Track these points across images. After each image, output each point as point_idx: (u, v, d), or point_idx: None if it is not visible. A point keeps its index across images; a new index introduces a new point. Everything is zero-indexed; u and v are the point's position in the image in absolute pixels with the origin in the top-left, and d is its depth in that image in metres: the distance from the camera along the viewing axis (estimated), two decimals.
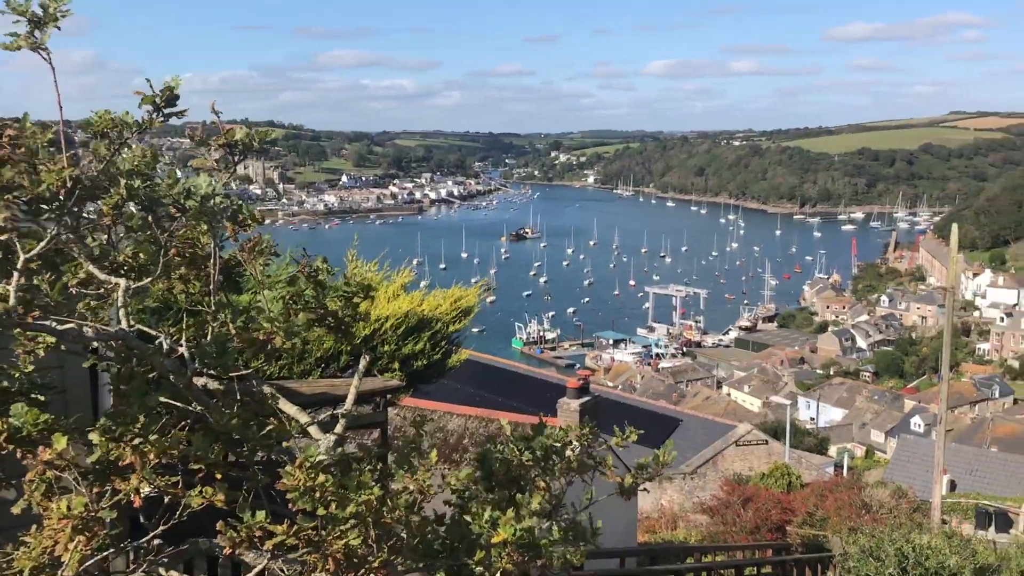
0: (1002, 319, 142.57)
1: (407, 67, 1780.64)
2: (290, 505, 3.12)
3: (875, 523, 21.30)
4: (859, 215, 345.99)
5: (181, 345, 3.65)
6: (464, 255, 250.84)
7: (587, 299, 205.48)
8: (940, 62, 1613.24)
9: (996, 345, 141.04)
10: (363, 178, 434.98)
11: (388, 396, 7.38)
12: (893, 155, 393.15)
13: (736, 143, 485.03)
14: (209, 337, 3.71)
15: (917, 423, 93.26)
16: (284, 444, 3.54)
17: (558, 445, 4.48)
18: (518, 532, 3.50)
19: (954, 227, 23.71)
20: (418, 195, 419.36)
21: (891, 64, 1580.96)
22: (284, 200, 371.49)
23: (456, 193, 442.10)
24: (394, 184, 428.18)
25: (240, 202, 4.14)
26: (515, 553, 3.55)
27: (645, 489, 17.81)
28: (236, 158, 3.73)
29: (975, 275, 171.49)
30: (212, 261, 3.70)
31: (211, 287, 3.77)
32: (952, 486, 43.05)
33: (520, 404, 37.16)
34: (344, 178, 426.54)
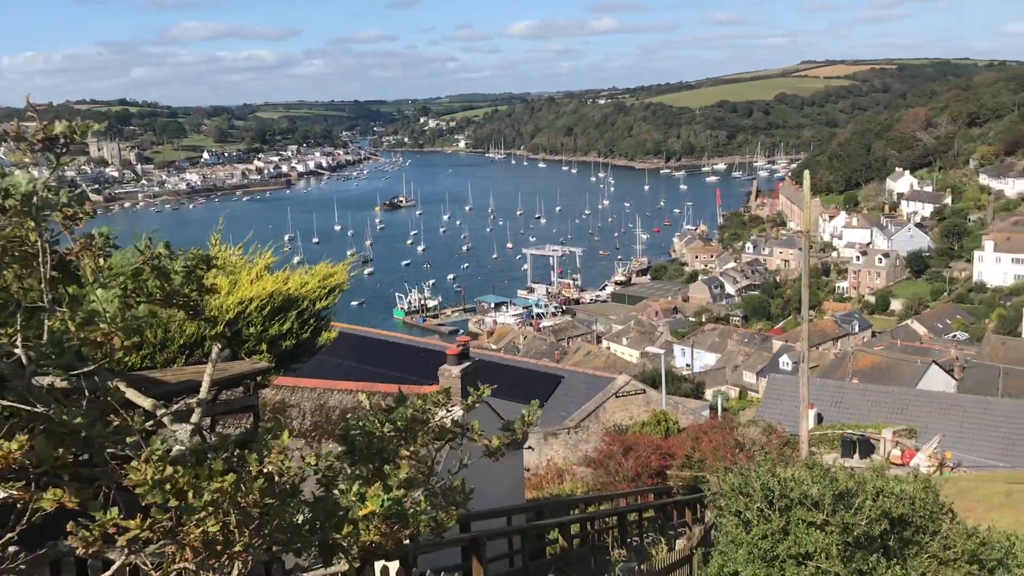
0: (857, 258, 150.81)
1: (264, 36, 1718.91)
2: (141, 499, 3.08)
3: (748, 460, 22.41)
4: (722, 166, 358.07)
5: (17, 346, 3.51)
6: (337, 228, 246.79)
7: (466, 264, 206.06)
8: (791, 13, 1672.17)
9: (854, 283, 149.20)
10: (226, 154, 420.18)
11: (258, 379, 7.26)
12: (750, 106, 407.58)
13: (601, 102, 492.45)
14: (46, 337, 3.58)
15: (785, 362, 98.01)
16: (131, 439, 3.46)
17: (421, 414, 4.55)
18: (386, 503, 3.56)
19: (806, 173, 24.87)
20: (285, 168, 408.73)
21: (745, 16, 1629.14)
22: (143, 181, 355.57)
23: (325, 164, 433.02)
24: (259, 158, 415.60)
25: (77, 191, 3.99)
26: (383, 524, 3.61)
27: (530, 447, 18.10)
28: (59, 152, 3.56)
29: (831, 217, 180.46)
30: (41, 259, 3.54)
31: (43, 285, 3.61)
32: (819, 419, 45.41)
33: (404, 374, 37.13)
34: (205, 155, 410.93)
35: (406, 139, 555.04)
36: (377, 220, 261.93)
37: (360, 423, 4.25)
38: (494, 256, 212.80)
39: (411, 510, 3.87)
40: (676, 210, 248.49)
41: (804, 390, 26.01)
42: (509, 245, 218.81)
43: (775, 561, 10.30)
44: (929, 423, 42.28)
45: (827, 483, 10.64)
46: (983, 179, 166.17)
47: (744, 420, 33.40)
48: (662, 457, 20.27)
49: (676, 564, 11.11)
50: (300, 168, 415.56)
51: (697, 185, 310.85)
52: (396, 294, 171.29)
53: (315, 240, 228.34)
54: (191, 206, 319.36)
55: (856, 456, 40.84)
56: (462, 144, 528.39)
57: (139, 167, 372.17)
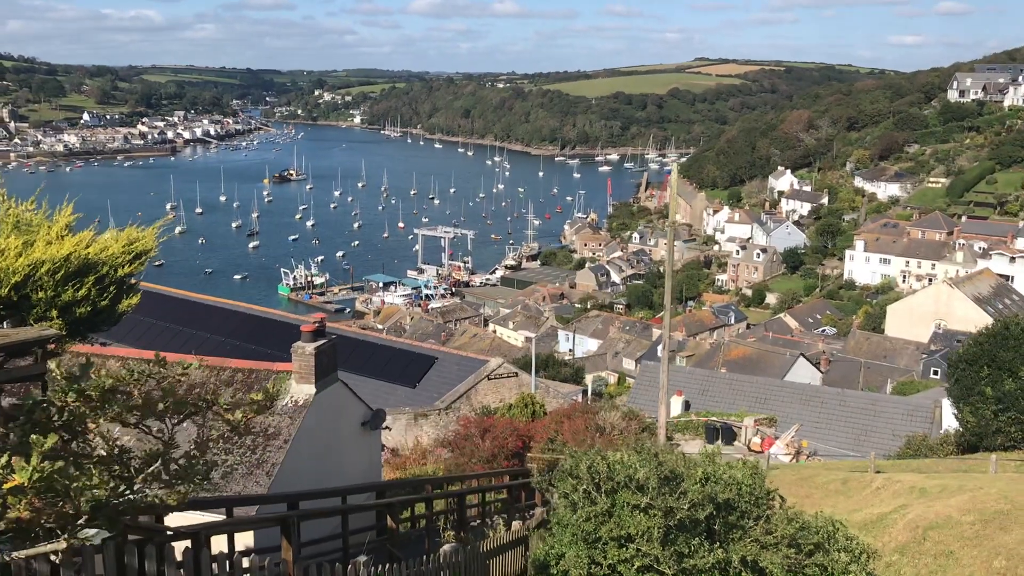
0: (737, 252, 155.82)
1: None
2: None
3: (608, 444, 22.80)
4: (615, 156, 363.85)
5: None
6: (223, 199, 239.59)
7: (356, 242, 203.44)
8: (686, 10, 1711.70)
9: (733, 276, 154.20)
10: (108, 116, 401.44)
11: (48, 346, 6.84)
12: (645, 99, 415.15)
13: (500, 85, 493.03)
14: None
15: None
16: None
17: (125, 385, 4.29)
18: (34, 475, 3.33)
19: (674, 168, 25.44)
20: (171, 135, 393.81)
21: (642, 10, 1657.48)
22: (16, 140, 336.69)
23: (213, 133, 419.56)
24: (143, 123, 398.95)
25: None
26: (35, 498, 3.38)
27: (387, 427, 17.73)
28: None
29: (715, 212, 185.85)
30: None
31: None
32: (687, 406, 46.76)
33: (276, 351, 36.25)
34: (86, 116, 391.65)
35: (299, 111, 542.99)
36: (265, 193, 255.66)
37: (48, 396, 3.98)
38: (385, 235, 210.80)
39: (75, 484, 3.63)
40: (568, 198, 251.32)
41: (664, 377, 26.65)
42: (401, 225, 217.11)
43: (598, 543, 10.46)
44: (789, 413, 44.08)
45: (653, 467, 10.85)
46: (858, 181, 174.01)
47: (621, 405, 34.03)
48: (520, 439, 20.39)
49: (509, 545, 11.16)
50: (187, 135, 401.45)
51: (590, 174, 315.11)
52: (282, 270, 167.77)
53: (199, 211, 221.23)
54: (68, 169, 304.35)
55: (719, 442, 42.24)
56: (357, 120, 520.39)
57: (12, 125, 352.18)
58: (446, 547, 9.44)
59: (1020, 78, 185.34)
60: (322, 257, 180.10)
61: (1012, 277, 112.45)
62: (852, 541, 13.82)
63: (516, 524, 11.94)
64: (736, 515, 11.87)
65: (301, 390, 16.45)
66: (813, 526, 12.99)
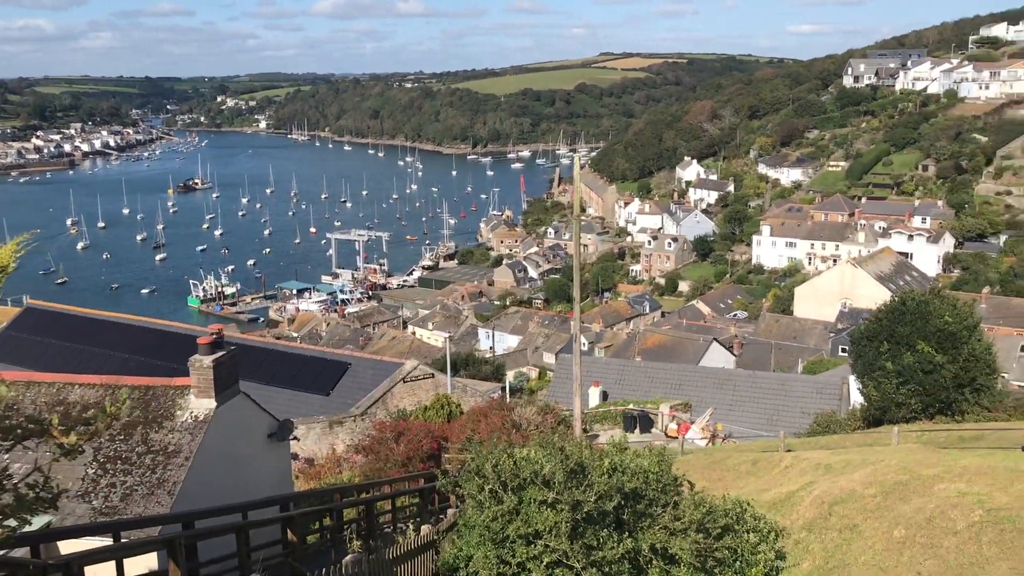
0: (649, 242, 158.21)
1: (42, 5, 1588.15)
2: None
3: (524, 439, 22.73)
4: (526, 153, 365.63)
5: None
6: (126, 211, 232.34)
7: (268, 250, 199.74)
8: (591, 5, 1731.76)
9: (646, 266, 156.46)
10: None
11: None
12: (553, 95, 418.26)
13: (408, 85, 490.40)
14: None
15: (582, 342, 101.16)
16: None
17: None
18: None
19: (576, 158, 25.53)
20: (68, 148, 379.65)
21: (548, 6, 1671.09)
22: None
23: (113, 144, 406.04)
24: (37, 136, 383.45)
25: None
26: None
27: (295, 438, 17.21)
28: None
29: (626, 204, 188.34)
30: None
31: None
32: (604, 396, 47.18)
33: (182, 365, 35.10)
34: None
35: (202, 118, 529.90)
36: (170, 203, 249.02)
37: None
38: (297, 241, 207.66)
39: None
40: (483, 195, 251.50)
41: (577, 370, 26.76)
42: (313, 230, 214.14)
43: (506, 542, 10.34)
44: (704, 397, 44.84)
45: (558, 461, 10.78)
46: (762, 168, 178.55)
47: (522, 401, 34.05)
48: (435, 441, 20.17)
49: (417, 550, 10.95)
50: (85, 148, 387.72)
51: (503, 171, 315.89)
52: (191, 281, 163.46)
53: (101, 225, 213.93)
54: None
55: (637, 431, 42.75)
56: (263, 124, 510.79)
57: None
58: (348, 558, 9.17)
59: (909, 63, 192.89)
60: (232, 267, 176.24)
61: (911, 254, 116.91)
62: (760, 521, 14.03)
63: (425, 528, 11.73)
64: (644, 503, 11.90)
65: (201, 405, 15.92)
66: (721, 509, 13.13)
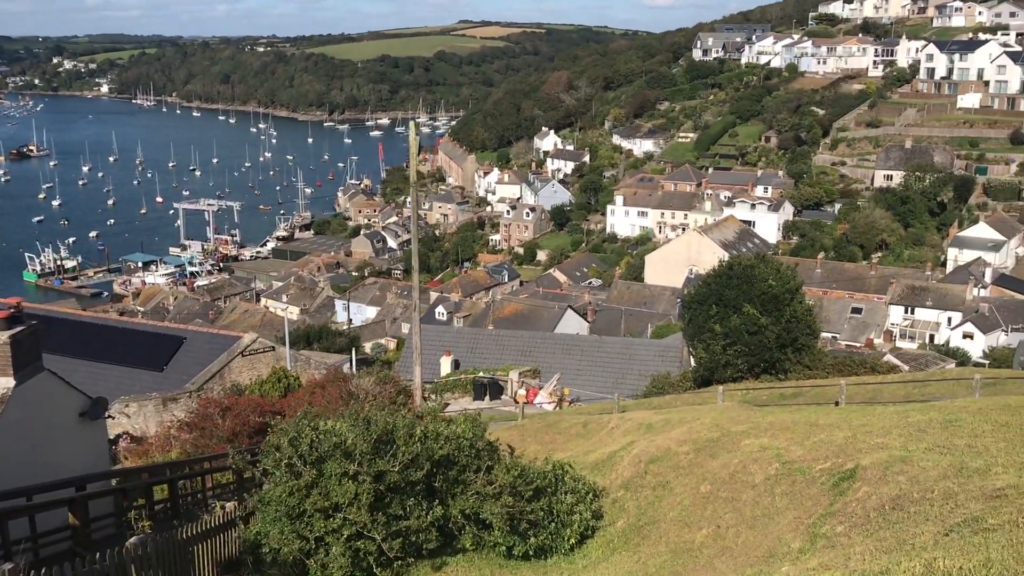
0: (508, 212, 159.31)
1: None
2: None
3: (361, 411, 22.39)
4: (385, 121, 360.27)
5: None
6: None
7: (111, 221, 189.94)
8: None
9: (505, 235, 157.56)
10: None
11: None
12: (412, 62, 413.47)
13: (260, 49, 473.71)
14: None
15: (441, 312, 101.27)
16: None
17: None
18: None
19: (411, 124, 25.14)
20: None
21: None
22: None
23: None
24: None
25: None
26: None
27: (111, 416, 16.19)
28: None
29: (485, 173, 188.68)
30: None
31: None
32: (456, 364, 47.33)
33: None
34: None
35: (37, 81, 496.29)
36: (1, 172, 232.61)
37: None
38: (143, 211, 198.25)
39: None
40: (340, 164, 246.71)
41: (416, 339, 26.59)
42: (159, 199, 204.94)
43: (303, 516, 10.08)
44: (552, 363, 45.62)
45: (361, 431, 10.58)
46: (616, 139, 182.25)
47: (362, 372, 33.71)
48: (263, 415, 19.59)
49: (217, 529, 10.52)
50: None
51: (361, 139, 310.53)
52: (27, 255, 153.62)
53: None
54: None
55: (487, 398, 43.13)
56: (105, 89, 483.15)
57: None
58: (132, 539, 8.69)
59: (754, 37, 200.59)
60: (73, 239, 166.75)
61: (753, 222, 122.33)
62: (579, 483, 14.31)
63: (230, 506, 11.32)
64: (456, 470, 11.88)
65: None
66: (538, 472, 13.28)
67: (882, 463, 10.79)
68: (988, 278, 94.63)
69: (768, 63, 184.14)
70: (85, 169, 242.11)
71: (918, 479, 9.81)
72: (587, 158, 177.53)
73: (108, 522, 15.00)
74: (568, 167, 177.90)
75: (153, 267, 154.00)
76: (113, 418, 21.94)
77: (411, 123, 25.05)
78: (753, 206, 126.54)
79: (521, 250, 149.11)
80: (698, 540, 11.80)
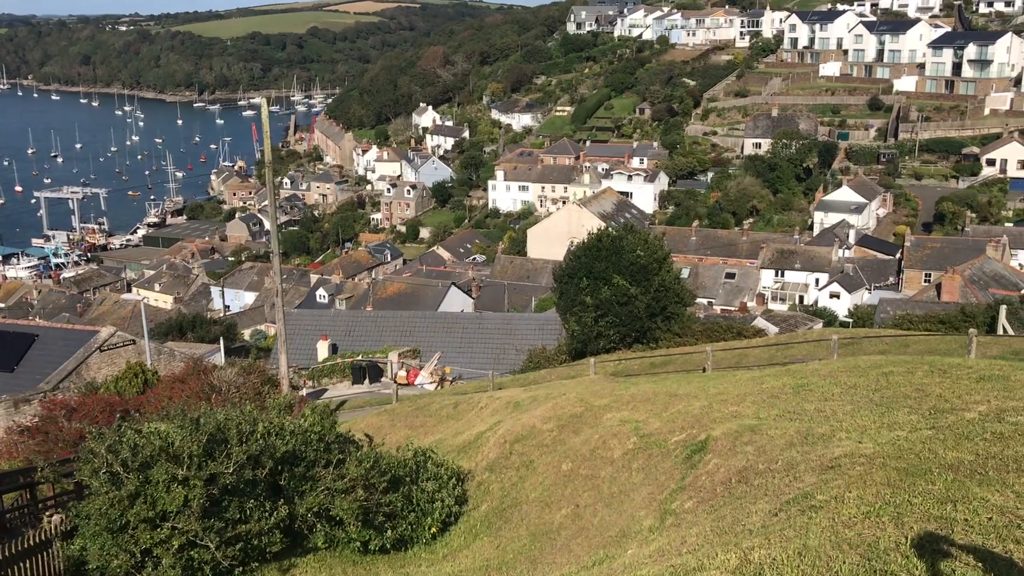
0: (389, 190, 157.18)
1: None
2: None
3: (224, 403, 21.39)
4: (259, 100, 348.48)
5: None
6: None
7: None
8: None
9: (386, 214, 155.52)
10: None
11: None
12: (284, 39, 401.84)
13: (123, 28, 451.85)
14: None
15: (322, 294, 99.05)
16: None
17: None
18: None
19: (263, 101, 24.07)
20: None
21: None
22: None
23: None
24: None
25: None
26: None
27: None
28: None
29: (364, 151, 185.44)
30: None
31: None
32: (334, 349, 46.24)
33: None
34: None
35: None
36: None
37: None
38: (1, 201, 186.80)
39: None
40: (212, 146, 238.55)
41: (281, 326, 25.64)
42: (18, 188, 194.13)
43: (127, 529, 9.33)
44: (433, 342, 45.09)
45: (189, 432, 9.87)
46: (494, 114, 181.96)
47: (226, 363, 32.50)
48: (111, 415, 18.41)
49: (39, 546, 9.64)
50: None
51: (234, 119, 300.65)
52: None
53: None
54: None
55: (367, 381, 42.32)
56: None
57: None
58: None
59: (626, 10, 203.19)
60: None
61: (631, 193, 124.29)
62: (442, 467, 13.91)
63: (57, 518, 10.42)
64: (304, 466, 11.29)
65: None
66: (393, 461, 12.81)
67: (732, 433, 10.79)
68: (852, 239, 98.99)
69: (640, 36, 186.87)
70: None
71: (765, 449, 9.81)
72: (467, 134, 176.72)
73: None
74: (448, 143, 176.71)
75: (14, 260, 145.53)
76: None
77: (262, 100, 23.98)
78: (630, 177, 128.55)
79: (403, 228, 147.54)
80: (557, 521, 11.59)
